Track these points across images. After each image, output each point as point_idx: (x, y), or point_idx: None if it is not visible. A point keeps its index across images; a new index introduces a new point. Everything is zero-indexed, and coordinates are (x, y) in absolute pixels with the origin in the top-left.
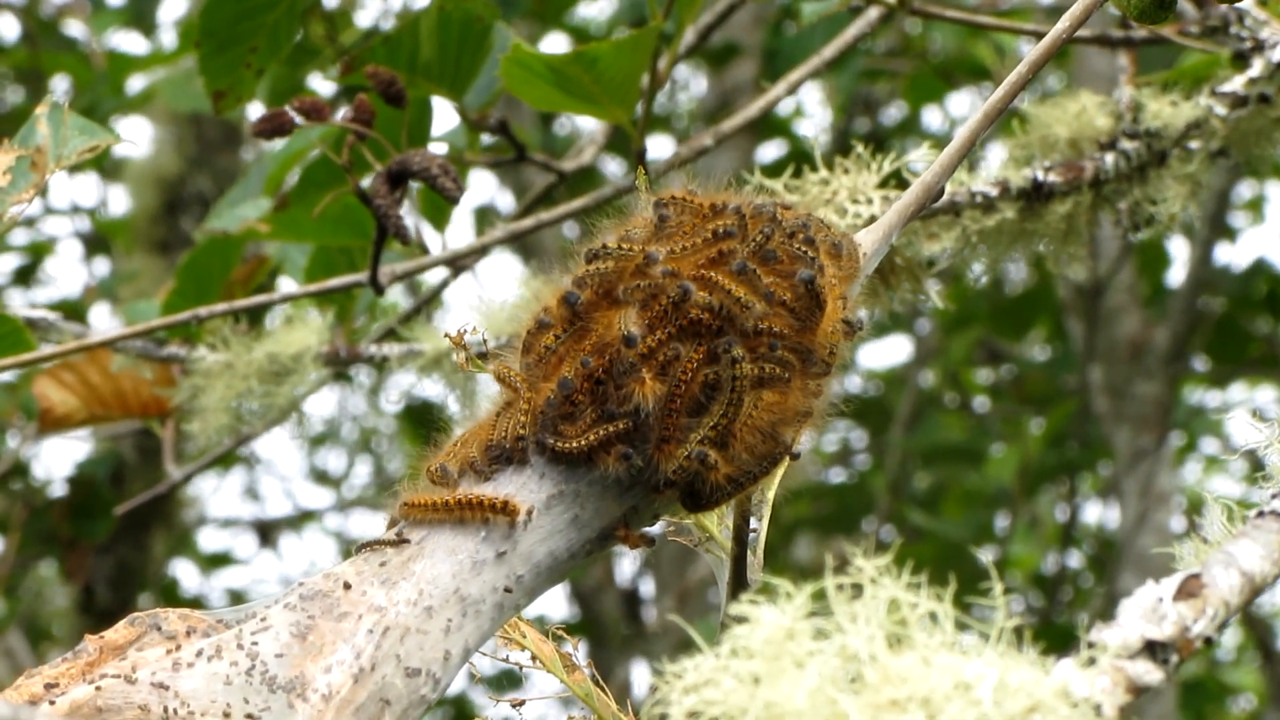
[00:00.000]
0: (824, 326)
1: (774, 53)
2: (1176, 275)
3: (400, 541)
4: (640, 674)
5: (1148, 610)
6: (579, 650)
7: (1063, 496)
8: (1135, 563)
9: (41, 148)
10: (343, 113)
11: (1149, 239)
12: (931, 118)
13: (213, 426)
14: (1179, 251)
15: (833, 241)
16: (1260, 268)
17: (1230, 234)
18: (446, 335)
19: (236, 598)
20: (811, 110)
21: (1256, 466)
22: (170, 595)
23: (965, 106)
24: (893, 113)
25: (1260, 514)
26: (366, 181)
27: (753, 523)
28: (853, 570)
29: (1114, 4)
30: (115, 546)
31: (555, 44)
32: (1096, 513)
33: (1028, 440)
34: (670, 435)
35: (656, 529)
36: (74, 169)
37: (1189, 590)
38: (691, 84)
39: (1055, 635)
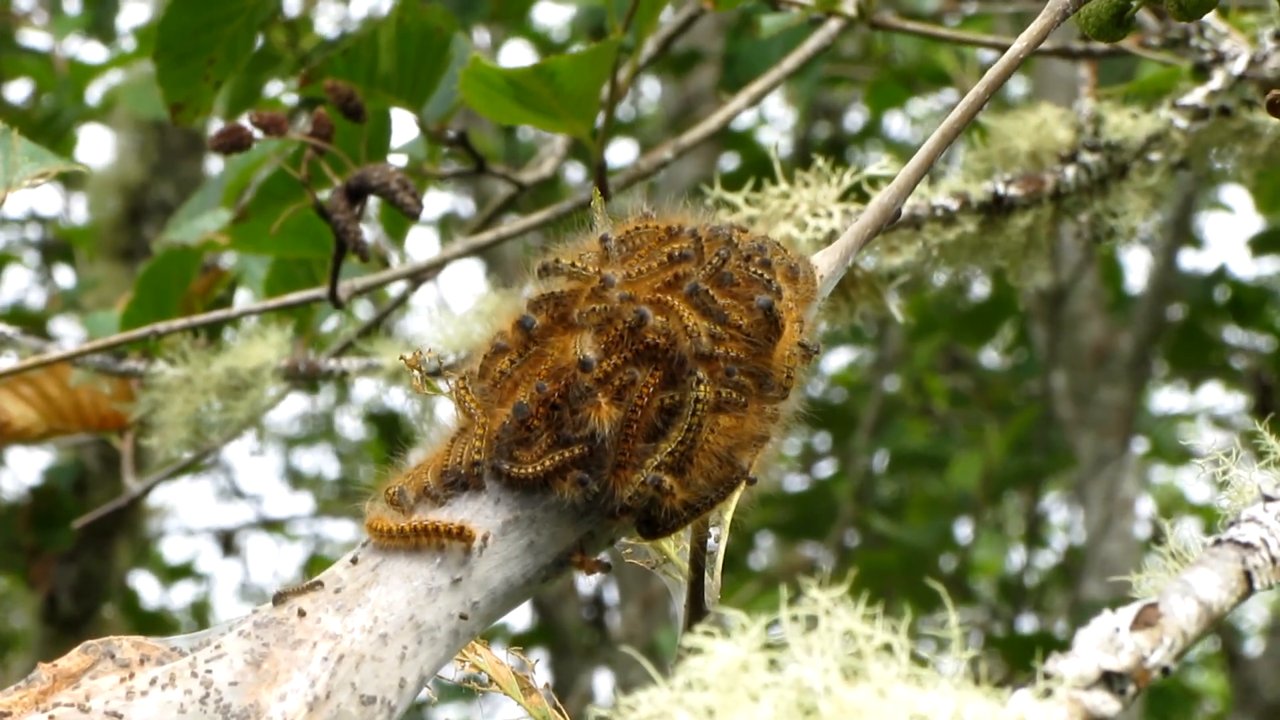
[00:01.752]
0: (780, 350)
1: (733, 59)
2: (1136, 281)
3: (311, 587)
4: (603, 683)
5: (1104, 640)
6: (537, 668)
7: (1026, 505)
8: (1100, 569)
9: None
10: (301, 124)
11: (1107, 247)
12: (893, 122)
13: (172, 441)
14: (1140, 258)
15: (789, 264)
16: (1223, 274)
17: (1194, 240)
18: (402, 358)
19: (198, 610)
20: (773, 116)
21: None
22: (131, 608)
23: (926, 111)
24: (854, 118)
25: (1218, 542)
26: (325, 194)
27: (710, 544)
28: (807, 601)
29: (1074, 21)
30: (79, 555)
31: (516, 50)
32: (1061, 518)
33: (991, 446)
34: (626, 461)
35: (607, 555)
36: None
37: (1146, 620)
38: (654, 90)
39: (1019, 645)
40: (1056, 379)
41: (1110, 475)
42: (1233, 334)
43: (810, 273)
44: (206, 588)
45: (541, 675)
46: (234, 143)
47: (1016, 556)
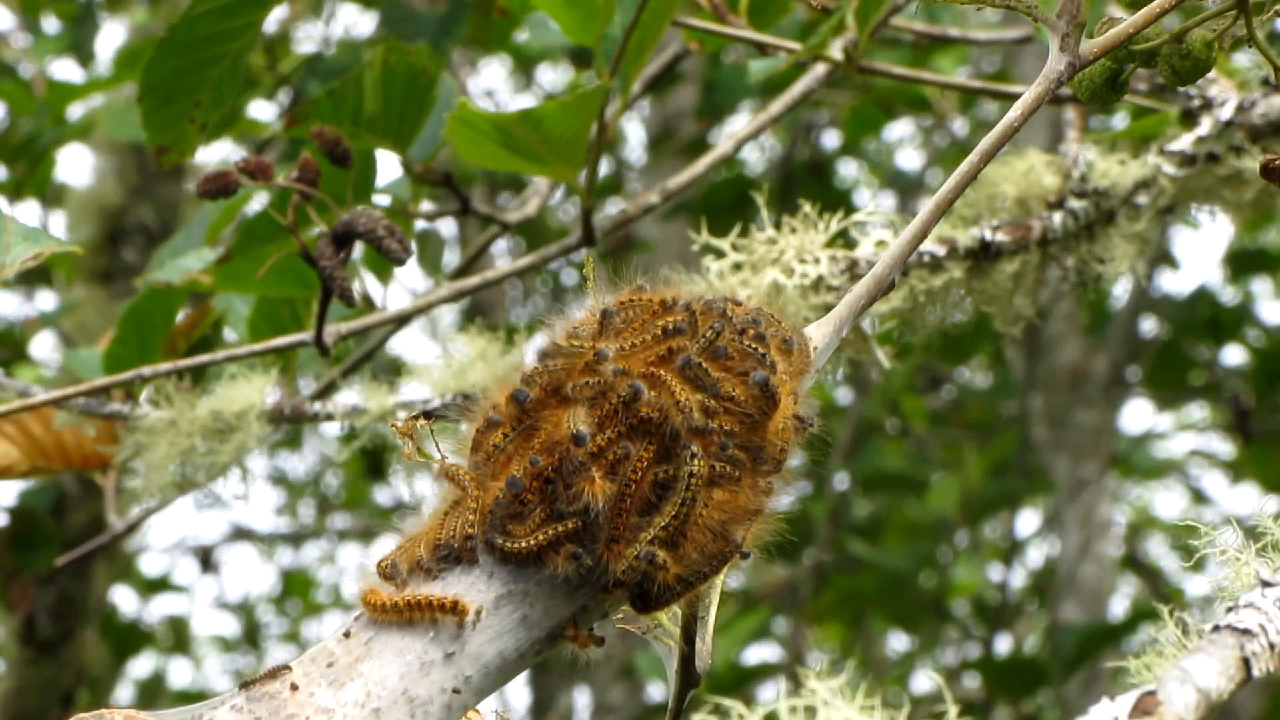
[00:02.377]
0: (775, 424)
1: (712, 86)
2: (1114, 302)
3: (278, 671)
4: (582, 700)
5: None
6: (517, 686)
7: (1003, 528)
8: (1076, 592)
9: None
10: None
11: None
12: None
13: (156, 484)
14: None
15: (783, 337)
16: (1202, 294)
17: (1171, 261)
18: (394, 426)
19: (175, 623)
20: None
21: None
22: (109, 622)
23: (904, 134)
24: (834, 137)
25: (1216, 628)
26: (311, 232)
27: (701, 611)
28: (806, 691)
29: (1069, 85)
30: (57, 577)
31: (495, 71)
32: (1038, 540)
33: (969, 469)
34: (620, 535)
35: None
36: (13, 198)
37: (1144, 709)
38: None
39: (996, 668)
40: (1033, 401)
41: (1087, 498)
42: (1210, 353)
43: (804, 345)
44: (186, 601)
45: (521, 695)
46: (221, 188)
47: (993, 577)
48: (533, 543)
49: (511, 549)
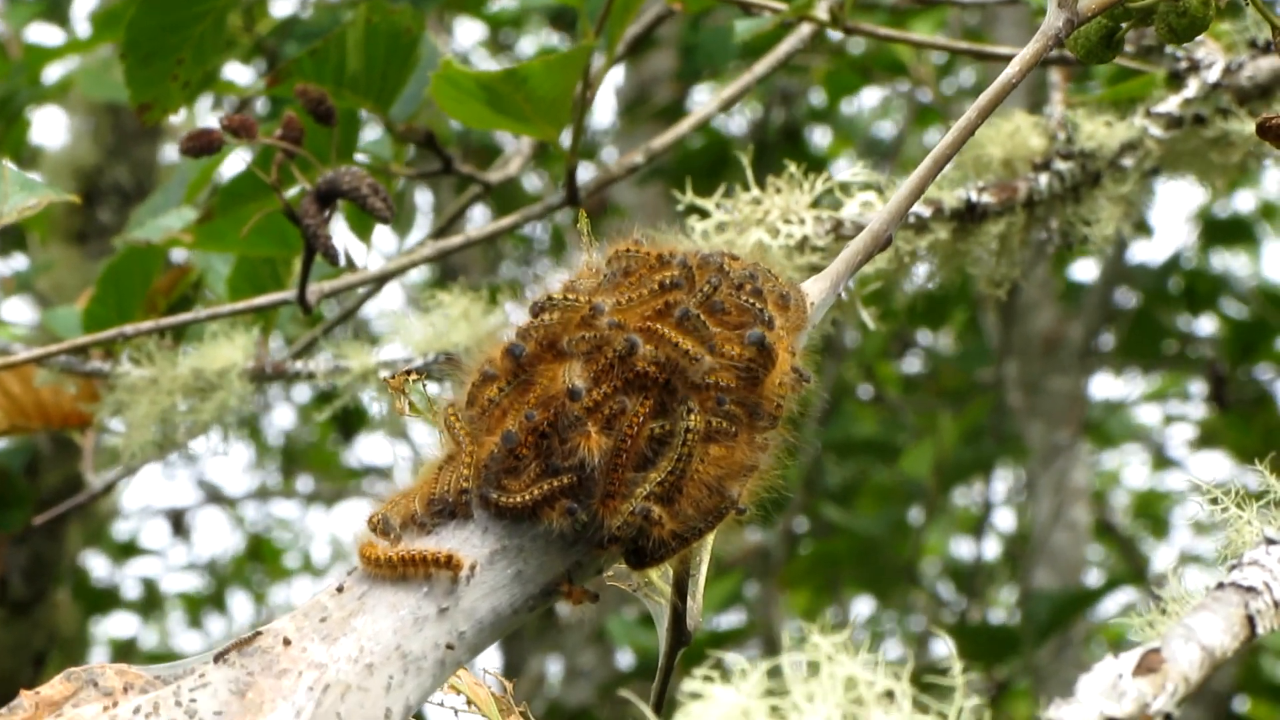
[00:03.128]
0: (771, 380)
1: (692, 49)
2: (1089, 270)
3: (250, 639)
4: (554, 666)
5: (1107, 687)
6: (491, 655)
7: (978, 494)
8: (1050, 558)
9: None
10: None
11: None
12: (848, 106)
13: (138, 442)
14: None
15: (780, 292)
16: (1176, 263)
17: (1146, 229)
18: (386, 382)
19: (149, 586)
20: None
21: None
22: (82, 587)
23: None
24: (811, 101)
25: (1220, 585)
26: (292, 192)
27: (692, 568)
28: (809, 646)
29: (1066, 43)
30: (30, 538)
31: (470, 31)
32: (1012, 508)
33: (942, 435)
34: (615, 490)
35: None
36: None
37: (1149, 665)
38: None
39: (969, 634)
40: (1008, 367)
41: (1060, 465)
42: (1185, 322)
43: (801, 300)
44: (158, 565)
45: (493, 659)
46: (204, 146)
47: (966, 545)
48: (528, 497)
49: (506, 504)
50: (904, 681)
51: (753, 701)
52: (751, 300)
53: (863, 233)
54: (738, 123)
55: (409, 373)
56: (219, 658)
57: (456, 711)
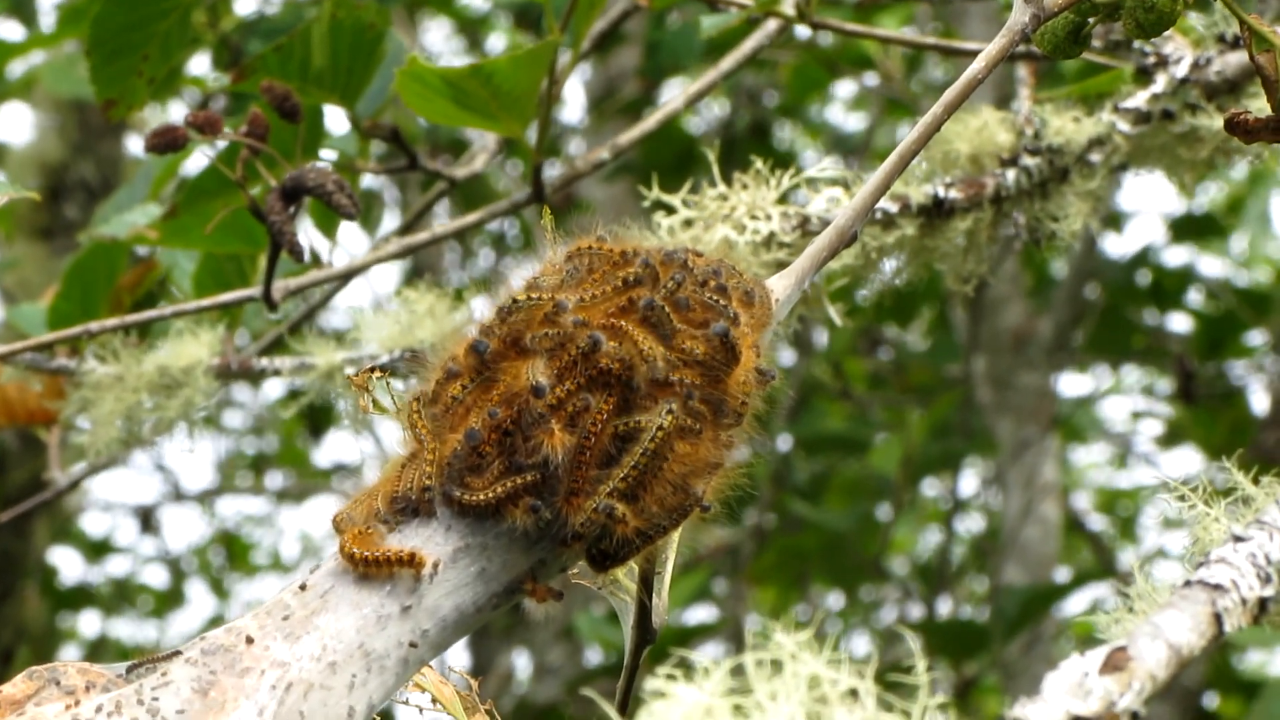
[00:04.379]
0: (736, 376)
1: (656, 46)
2: (1059, 266)
3: (170, 656)
4: (522, 662)
5: (1073, 685)
6: (458, 651)
7: (946, 489)
8: (1019, 554)
9: None
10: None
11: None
12: (816, 104)
13: (103, 439)
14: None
15: (745, 289)
16: (1144, 257)
17: (1116, 223)
18: (350, 379)
19: (119, 585)
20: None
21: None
22: (49, 585)
23: (847, 96)
24: (779, 99)
25: (1187, 583)
26: (257, 190)
27: (658, 566)
28: (772, 645)
29: (1033, 38)
30: None
31: (436, 34)
32: (980, 504)
33: (911, 430)
34: (579, 488)
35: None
36: None
37: (1115, 664)
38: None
39: (938, 630)
40: (977, 363)
41: (1030, 460)
42: (1153, 317)
43: (766, 297)
44: (129, 563)
45: (461, 657)
46: (169, 143)
47: (933, 539)
48: (491, 495)
49: (469, 501)
50: (868, 680)
51: (716, 700)
52: (715, 297)
53: (828, 229)
54: (705, 120)
55: (373, 370)
56: (131, 670)
57: (421, 710)
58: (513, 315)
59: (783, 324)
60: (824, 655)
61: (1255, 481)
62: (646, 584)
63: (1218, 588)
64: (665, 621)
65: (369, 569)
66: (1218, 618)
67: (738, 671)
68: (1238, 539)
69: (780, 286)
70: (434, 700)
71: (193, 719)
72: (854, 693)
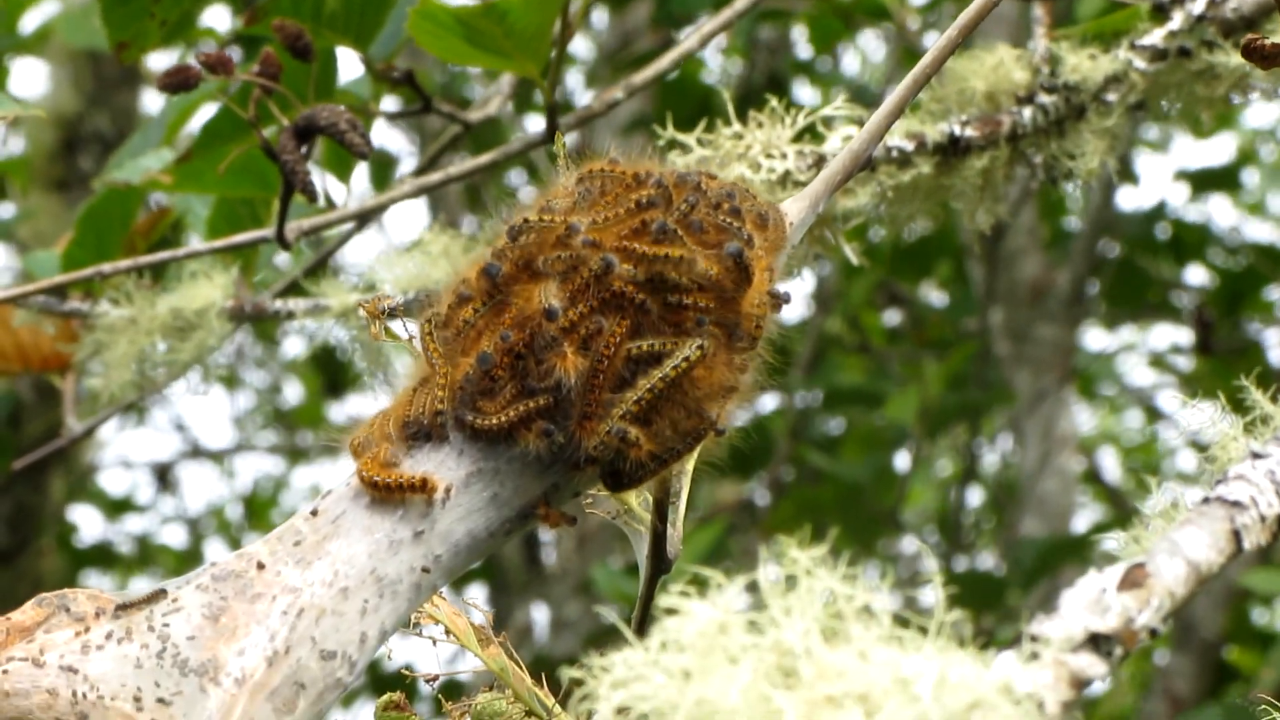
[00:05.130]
0: (750, 299)
1: None
2: (1074, 218)
3: (155, 596)
4: (540, 616)
5: (1090, 601)
6: (491, 620)
7: (963, 442)
8: (1036, 505)
9: None
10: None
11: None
12: (825, 61)
13: (116, 383)
14: (1078, 194)
15: (759, 211)
16: (1161, 211)
17: (1133, 177)
18: (360, 305)
19: (141, 542)
20: (710, 55)
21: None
22: (66, 542)
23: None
24: (794, 53)
25: (1206, 500)
26: (271, 132)
27: (672, 495)
28: (787, 561)
29: None
30: (12, 487)
31: None
32: (997, 454)
33: (929, 382)
34: (592, 411)
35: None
36: None
37: (1133, 580)
38: (602, 20)
39: (954, 581)
40: (994, 316)
41: (1047, 412)
42: (1171, 271)
43: (780, 220)
44: (148, 522)
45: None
46: (181, 82)
47: (950, 493)
48: (504, 419)
49: (482, 425)
50: (884, 596)
51: (730, 616)
52: (729, 219)
53: (843, 152)
54: (722, 76)
55: (384, 298)
56: (120, 610)
57: (435, 641)
58: (523, 236)
59: (796, 248)
60: (839, 570)
61: (1274, 400)
62: (661, 512)
63: (1236, 504)
64: (680, 551)
65: (383, 494)
66: (1236, 534)
67: (753, 588)
68: (1256, 455)
69: (794, 210)
70: (448, 632)
71: (204, 644)
72: (869, 609)
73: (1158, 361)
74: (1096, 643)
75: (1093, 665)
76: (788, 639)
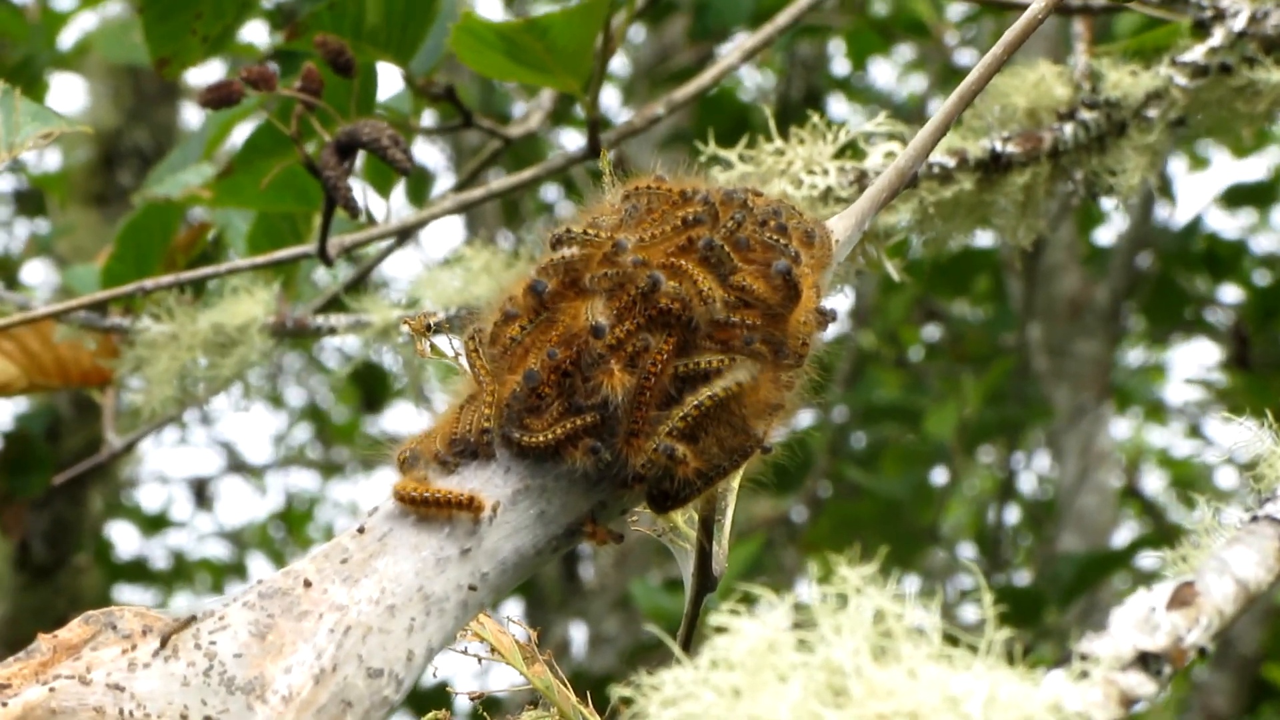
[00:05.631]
0: (796, 317)
1: (704, 7)
2: (1111, 233)
3: (187, 623)
4: (578, 633)
5: (1140, 620)
6: (535, 638)
7: (1001, 458)
8: (1075, 521)
9: None
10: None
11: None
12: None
13: (157, 398)
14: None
15: (805, 229)
16: (1197, 226)
17: (1169, 192)
18: (406, 322)
19: (178, 558)
20: (745, 71)
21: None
22: (104, 558)
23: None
24: (832, 70)
25: (1254, 518)
26: (312, 148)
27: (717, 513)
28: (836, 579)
29: None
30: (51, 502)
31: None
32: (1034, 472)
33: (966, 398)
34: (639, 429)
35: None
36: None
37: (1182, 599)
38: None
39: (994, 597)
40: (1032, 331)
41: (1086, 428)
42: (1207, 287)
43: (826, 237)
44: (185, 536)
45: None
46: (224, 97)
47: (987, 509)
48: (550, 436)
49: (529, 443)
50: (934, 614)
51: (780, 634)
52: (776, 236)
53: (889, 168)
54: (758, 93)
55: (429, 315)
56: (164, 642)
57: (480, 659)
58: (566, 245)
59: (841, 265)
60: (888, 590)
61: None
62: (707, 529)
63: None
64: (725, 569)
65: (426, 509)
66: None
67: (802, 607)
68: None
69: (840, 227)
70: (493, 650)
71: (251, 662)
72: (919, 627)
73: (1194, 382)
74: (1145, 661)
75: (1142, 684)
76: (837, 657)
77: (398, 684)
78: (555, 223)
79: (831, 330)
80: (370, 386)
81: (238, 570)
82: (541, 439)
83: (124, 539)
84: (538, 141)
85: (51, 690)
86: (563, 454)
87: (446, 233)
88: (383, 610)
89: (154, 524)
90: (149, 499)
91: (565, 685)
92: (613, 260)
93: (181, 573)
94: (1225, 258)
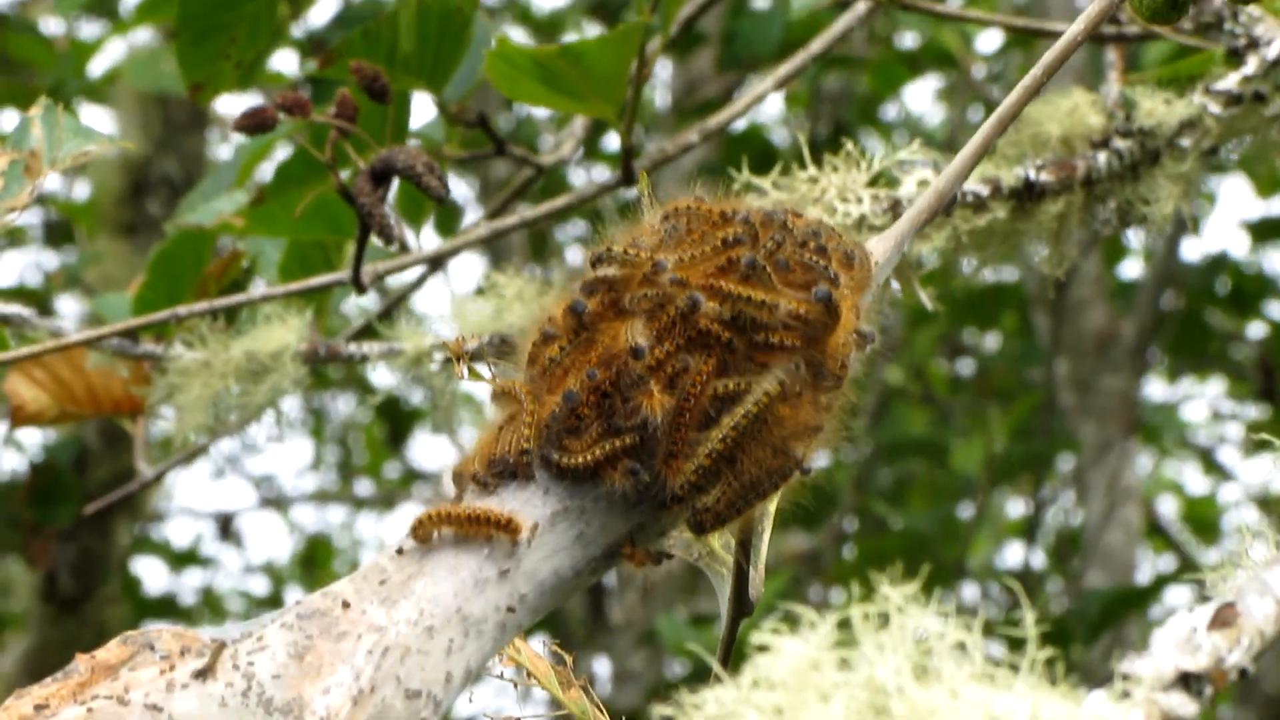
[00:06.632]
0: (836, 338)
1: (732, 36)
2: (1136, 268)
3: (218, 649)
4: (602, 669)
5: (1181, 640)
6: (571, 663)
7: (1029, 490)
8: (1100, 558)
9: (36, 151)
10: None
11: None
12: (891, 109)
13: (190, 425)
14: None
15: (845, 250)
16: (1222, 261)
17: (1195, 227)
18: (445, 345)
19: (206, 594)
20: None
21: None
22: (132, 592)
23: (928, 94)
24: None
25: None
26: (346, 173)
27: (754, 537)
28: (879, 598)
29: (1128, 4)
30: (79, 533)
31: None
32: (1060, 508)
33: (993, 432)
34: (678, 450)
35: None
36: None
37: (1223, 620)
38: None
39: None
40: (1059, 366)
41: (1112, 464)
42: (1232, 323)
43: (865, 259)
44: (213, 573)
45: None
46: (259, 124)
47: (1015, 550)
48: (590, 458)
49: (568, 464)
50: (976, 633)
51: (822, 653)
52: (816, 258)
53: (926, 191)
54: (786, 133)
55: (465, 339)
56: (202, 674)
57: (515, 685)
58: (605, 264)
59: (880, 287)
60: (931, 608)
61: None
62: (745, 551)
63: None
64: (762, 593)
65: (464, 527)
66: None
67: (844, 626)
68: None
69: (880, 249)
70: (529, 675)
71: (289, 683)
72: (961, 646)
73: (1220, 416)
74: (1187, 682)
75: (1183, 704)
76: (880, 676)
77: (436, 705)
78: (596, 241)
79: (856, 364)
80: (395, 420)
81: (273, 603)
82: (580, 460)
83: (152, 575)
84: (565, 178)
85: (90, 710)
86: (602, 475)
87: (471, 269)
88: (421, 631)
89: (181, 560)
90: (178, 535)
91: (602, 711)
92: (652, 280)
93: (212, 607)
94: (1251, 293)
